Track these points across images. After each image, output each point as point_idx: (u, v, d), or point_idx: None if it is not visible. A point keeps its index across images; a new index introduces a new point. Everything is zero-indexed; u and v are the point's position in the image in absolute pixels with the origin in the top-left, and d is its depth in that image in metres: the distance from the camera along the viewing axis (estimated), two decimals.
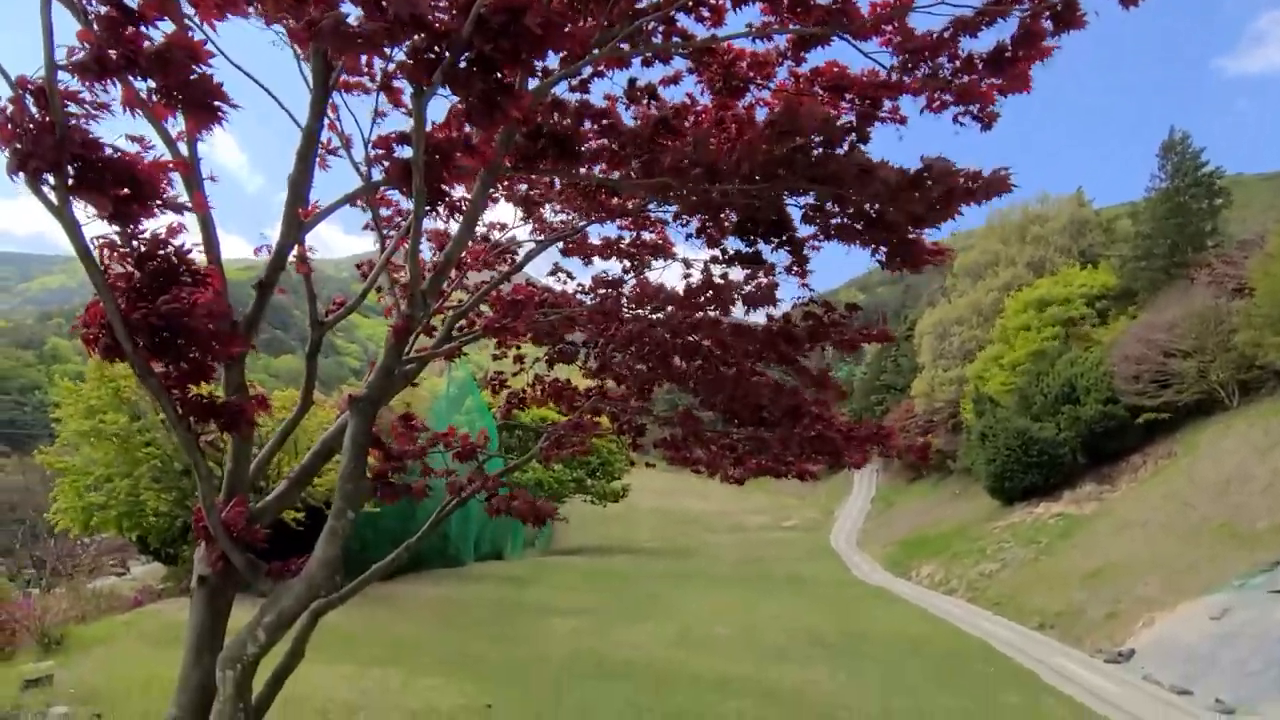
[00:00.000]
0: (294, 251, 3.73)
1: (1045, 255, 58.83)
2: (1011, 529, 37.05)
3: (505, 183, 4.56)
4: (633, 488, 56.65)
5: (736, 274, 4.13)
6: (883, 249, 3.53)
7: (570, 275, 5.27)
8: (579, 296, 4.70)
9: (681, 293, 4.03)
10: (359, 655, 11.68)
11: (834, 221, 3.57)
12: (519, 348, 5.22)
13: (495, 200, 4.86)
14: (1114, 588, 23.03)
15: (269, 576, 3.39)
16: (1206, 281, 37.87)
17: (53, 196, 2.26)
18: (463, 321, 4.74)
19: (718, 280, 3.98)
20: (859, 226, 3.44)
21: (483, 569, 31.80)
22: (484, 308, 4.72)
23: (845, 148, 3.31)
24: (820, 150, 3.08)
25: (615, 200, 4.50)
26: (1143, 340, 39.15)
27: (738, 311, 4.33)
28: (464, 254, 4.91)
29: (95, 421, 16.83)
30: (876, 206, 3.27)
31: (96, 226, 2.50)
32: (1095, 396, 39.42)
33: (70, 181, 2.24)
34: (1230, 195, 47.33)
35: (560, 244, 4.74)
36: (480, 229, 4.78)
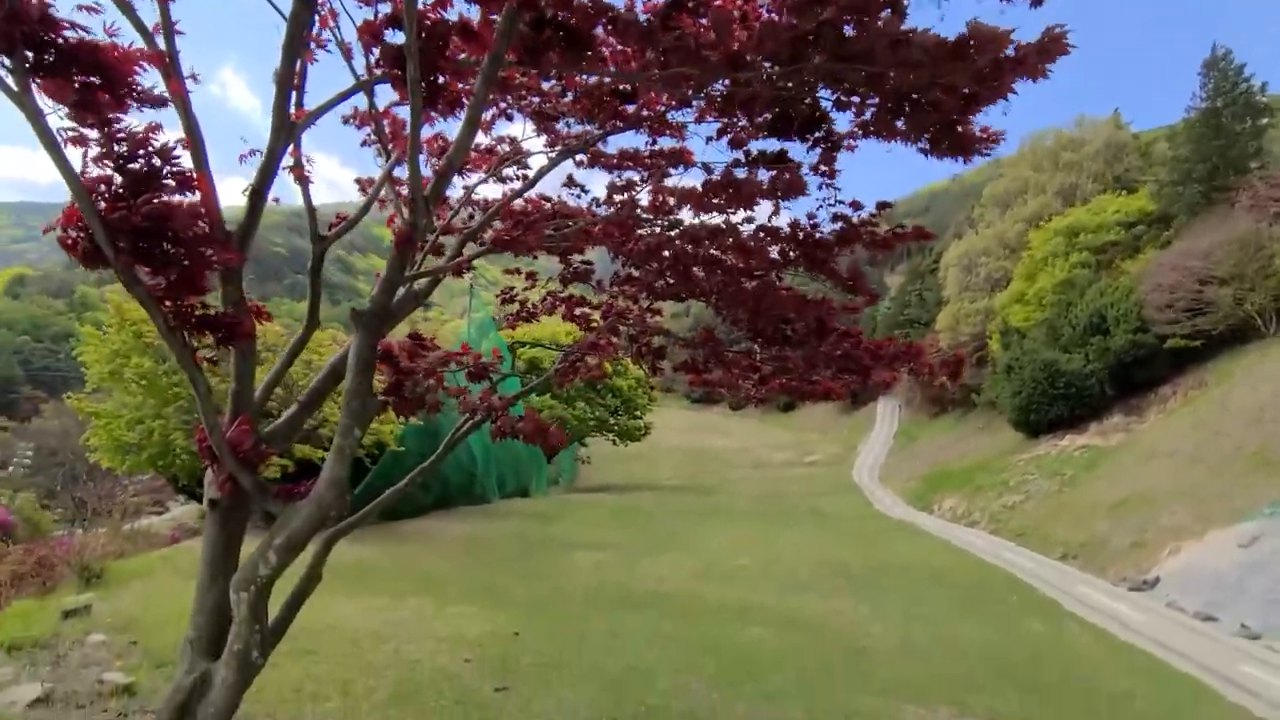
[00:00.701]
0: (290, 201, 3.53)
1: (1077, 182, 56.86)
2: (1036, 461, 36.89)
3: (514, 93, 4.29)
4: (655, 426, 57.06)
5: (762, 176, 3.87)
6: (925, 136, 3.24)
7: (584, 189, 5.02)
8: (595, 210, 4.46)
9: (700, 188, 3.78)
10: (390, 588, 11.93)
11: (870, 110, 3.27)
12: (534, 258, 4.99)
13: (508, 117, 4.60)
14: (1140, 517, 22.91)
15: (277, 499, 3.31)
16: (1248, 206, 36.40)
17: (11, 82, 2.08)
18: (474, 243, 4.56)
19: (739, 175, 3.72)
20: (899, 108, 3.15)
21: (508, 506, 32.31)
22: (497, 224, 4.52)
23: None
24: (851, 28, 2.80)
25: (630, 108, 4.23)
26: (1177, 268, 38.03)
27: (761, 217, 4.11)
28: (476, 169, 4.69)
29: (119, 365, 17.01)
30: (916, 88, 2.99)
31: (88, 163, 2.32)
32: (1125, 327, 38.60)
33: (28, 66, 2.06)
34: (1275, 115, 45.07)
35: (575, 158, 4.47)
36: (488, 140, 4.53)
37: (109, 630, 7.44)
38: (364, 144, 3.86)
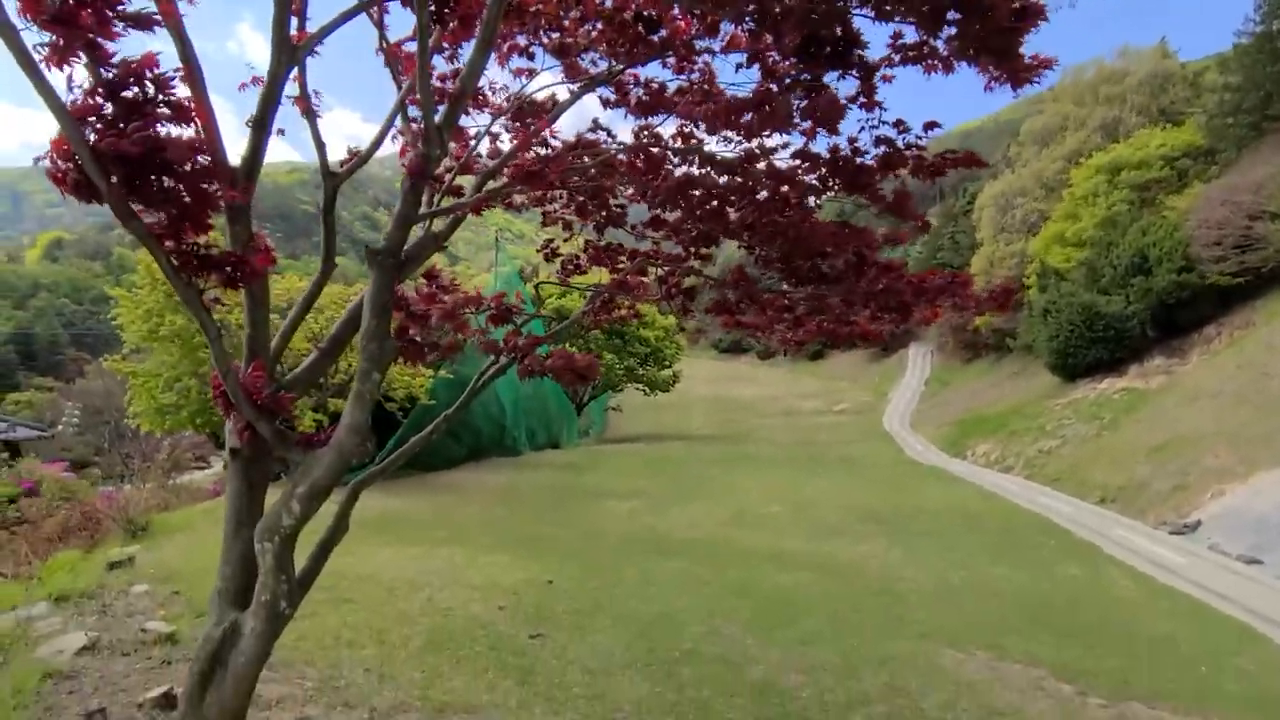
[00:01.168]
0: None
1: (1120, 116, 54.42)
2: (1073, 405, 36.23)
3: (531, 22, 4.03)
4: (684, 376, 57.01)
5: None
6: (972, 53, 2.96)
7: (610, 133, 4.77)
8: (621, 155, 4.20)
9: (729, 106, 3.50)
10: (425, 537, 12.10)
11: (911, 23, 2.98)
12: (560, 198, 4.74)
13: (529, 54, 4.34)
14: (1181, 460, 22.44)
15: (298, 447, 3.22)
16: None
17: None
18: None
19: (771, 88, 3.44)
20: (941, 17, 2.86)
21: (539, 458, 32.66)
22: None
23: None
24: None
25: (656, 37, 3.96)
26: (1226, 203, 36.46)
27: (796, 145, 3.83)
28: (496, 113, 4.46)
29: (154, 324, 17.22)
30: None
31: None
32: (1168, 266, 37.32)
33: None
34: None
35: (600, 98, 4.20)
36: (506, 75, 4.30)
37: (152, 581, 7.62)
38: (377, 48, 3.60)
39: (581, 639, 6.94)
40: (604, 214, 4.98)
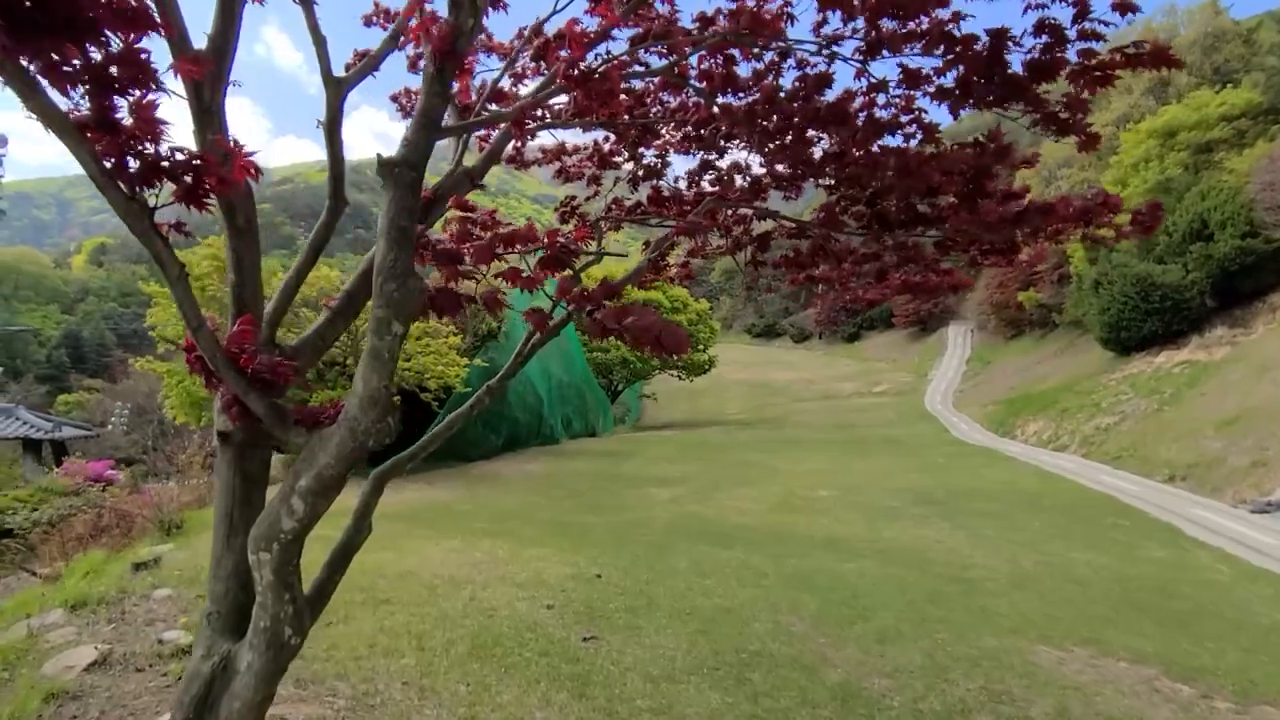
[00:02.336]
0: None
1: (1170, 77, 51.96)
2: (1130, 380, 34.68)
3: None
4: (718, 361, 56.25)
5: None
6: None
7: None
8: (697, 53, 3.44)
9: None
10: (466, 529, 11.59)
11: None
12: (598, 143, 4.05)
13: None
14: (1256, 434, 21.10)
15: (300, 425, 2.60)
16: None
17: None
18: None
19: None
20: None
21: (578, 446, 32.21)
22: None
23: None
24: None
25: None
26: None
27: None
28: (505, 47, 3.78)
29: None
30: None
31: None
32: (1231, 231, 35.48)
33: None
34: None
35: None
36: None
37: (178, 583, 7.17)
38: None
39: (638, 640, 6.31)
40: (644, 167, 4.23)
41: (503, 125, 3.21)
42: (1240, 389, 25.90)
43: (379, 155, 2.30)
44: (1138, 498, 18.81)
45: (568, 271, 2.75)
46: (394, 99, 4.84)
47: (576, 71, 2.64)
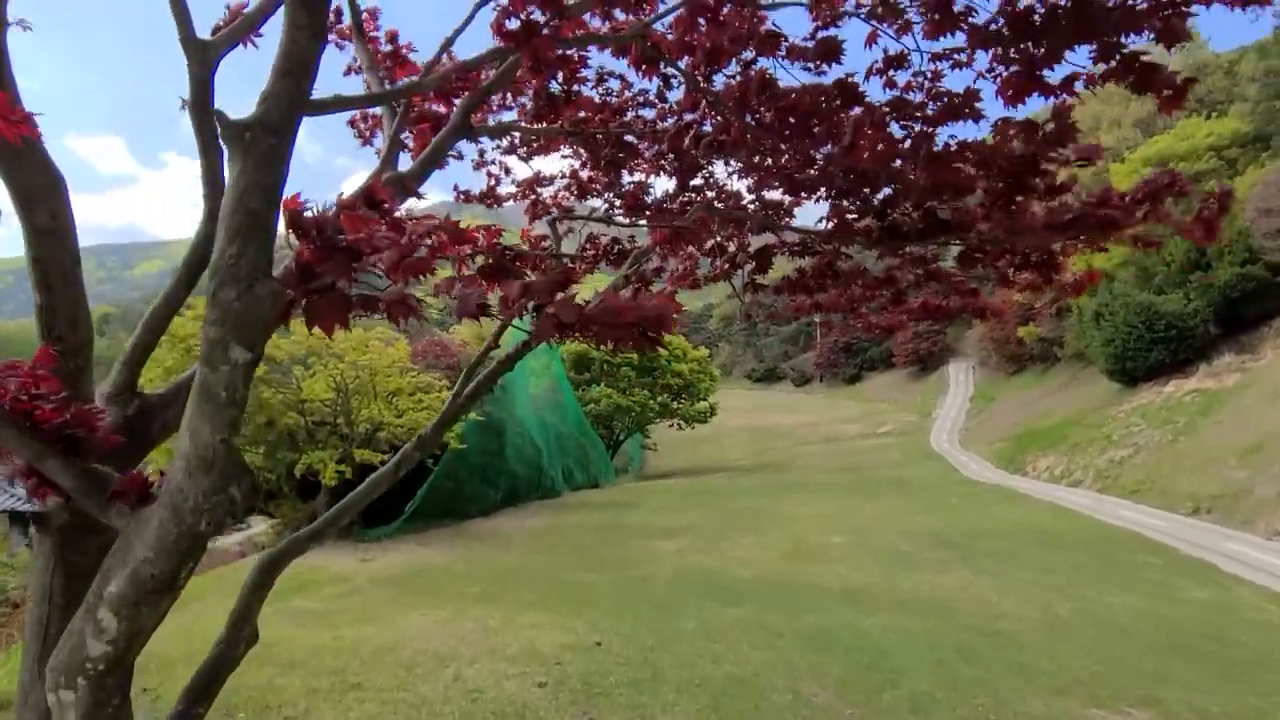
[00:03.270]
0: None
1: (1155, 109, 52.42)
2: (1140, 411, 33.96)
3: None
4: (719, 408, 55.46)
5: None
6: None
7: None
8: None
9: None
10: (460, 593, 10.85)
11: None
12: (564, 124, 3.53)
13: None
14: None
15: (122, 500, 1.92)
16: None
17: None
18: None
19: None
20: None
21: (579, 498, 31.37)
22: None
23: None
24: None
25: None
26: None
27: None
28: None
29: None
30: None
31: None
32: (1230, 259, 35.29)
33: None
34: None
35: None
36: None
37: None
38: None
39: None
40: (616, 143, 3.68)
41: (450, 120, 2.70)
42: (1257, 415, 25.25)
43: (220, 116, 1.71)
44: (1164, 533, 18.00)
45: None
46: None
47: (516, 26, 2.13)
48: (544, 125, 2.98)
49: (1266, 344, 34.07)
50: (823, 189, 3.06)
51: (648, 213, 3.56)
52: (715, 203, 3.46)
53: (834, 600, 10.94)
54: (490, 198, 4.50)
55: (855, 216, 3.23)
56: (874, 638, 8.55)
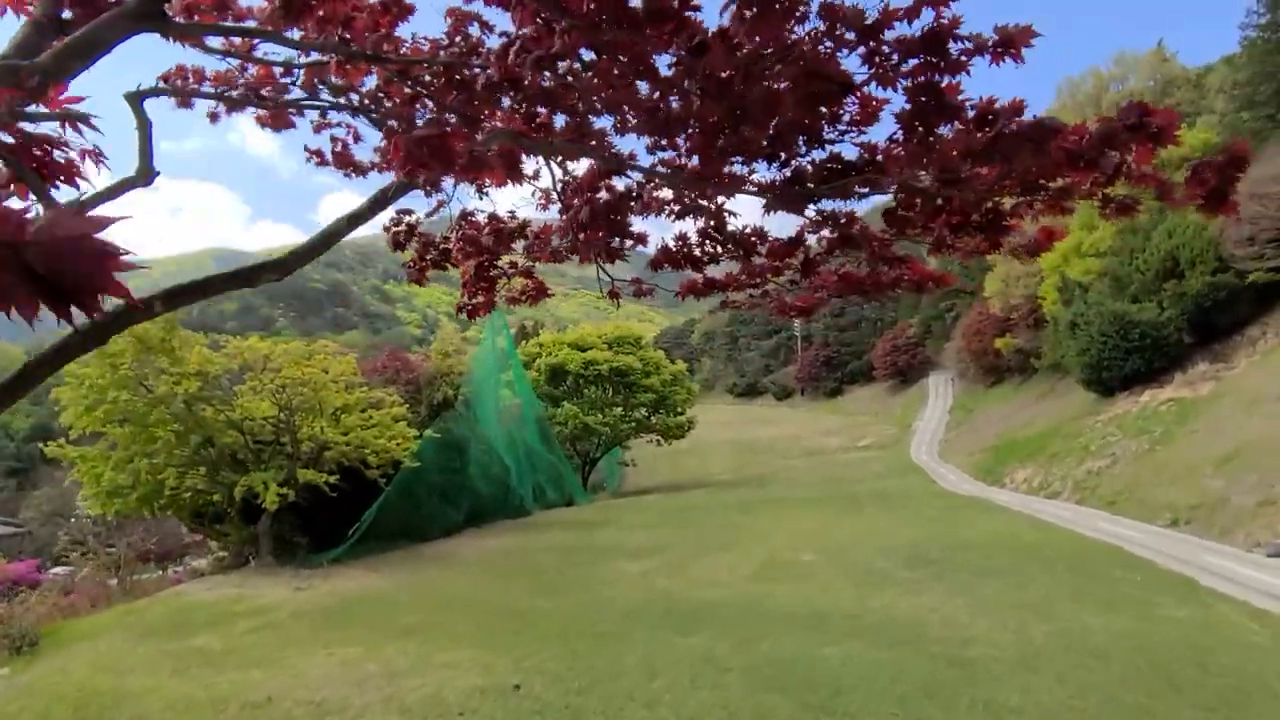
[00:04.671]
0: None
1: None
2: (1117, 421, 33.64)
3: None
4: (700, 422, 54.77)
5: None
6: None
7: None
8: None
9: None
10: (383, 627, 9.98)
11: None
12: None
13: None
14: (1260, 471, 19.94)
15: None
16: None
17: None
18: None
19: None
20: None
21: (549, 517, 30.47)
22: None
23: None
24: None
25: None
26: (1255, 197, 34.48)
27: None
28: None
29: (94, 402, 15.37)
30: None
31: None
32: (1202, 268, 35.25)
33: None
34: None
35: None
36: None
37: None
38: None
39: None
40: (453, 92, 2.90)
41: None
42: (1233, 424, 24.92)
43: None
44: (1143, 545, 17.45)
45: None
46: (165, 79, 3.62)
47: None
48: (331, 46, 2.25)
49: (1240, 352, 34.00)
50: (684, 123, 2.37)
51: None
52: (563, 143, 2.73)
53: (796, 625, 10.19)
54: (348, 165, 3.75)
55: (741, 161, 2.52)
56: (832, 670, 7.80)
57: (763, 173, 2.62)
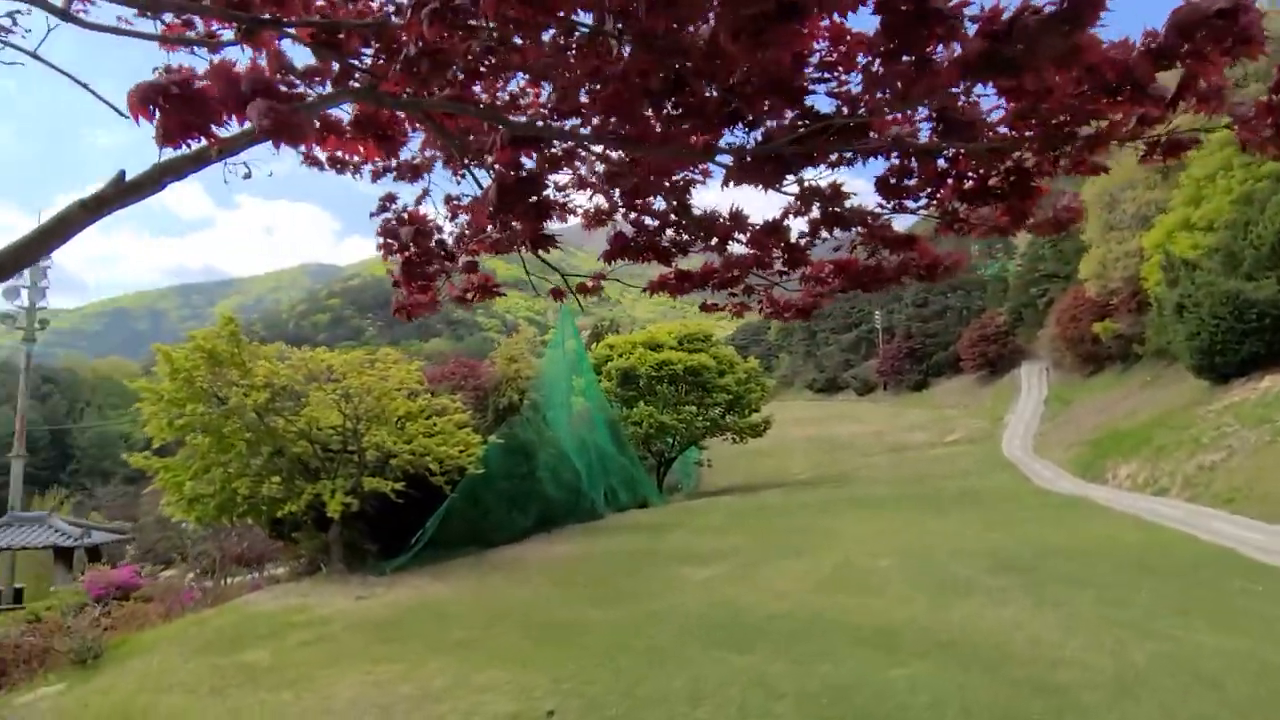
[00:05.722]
0: None
1: (1239, 78, 48.66)
2: (1233, 410, 30.84)
3: None
4: (778, 420, 53.61)
5: None
6: None
7: None
8: None
9: None
10: (431, 643, 9.80)
11: None
12: None
13: None
14: None
15: None
16: None
17: None
18: None
19: None
20: None
21: (621, 520, 30.25)
22: None
23: None
24: None
25: None
26: None
27: None
28: None
29: (173, 414, 16.01)
30: None
31: None
32: None
33: None
34: None
35: None
36: None
37: None
38: None
39: None
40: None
41: None
42: None
43: None
44: (1265, 550, 15.72)
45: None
46: None
47: None
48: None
49: None
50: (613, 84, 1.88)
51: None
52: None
53: (862, 642, 9.46)
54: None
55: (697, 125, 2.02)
56: (897, 698, 7.10)
57: (730, 140, 2.11)
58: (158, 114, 1.88)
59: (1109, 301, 54.78)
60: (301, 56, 2.94)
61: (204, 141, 1.99)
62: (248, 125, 1.93)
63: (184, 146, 1.97)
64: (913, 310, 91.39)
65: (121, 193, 1.90)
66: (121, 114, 2.12)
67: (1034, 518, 23.72)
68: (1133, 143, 2.08)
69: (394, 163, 3.20)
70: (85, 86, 2.26)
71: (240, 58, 2.96)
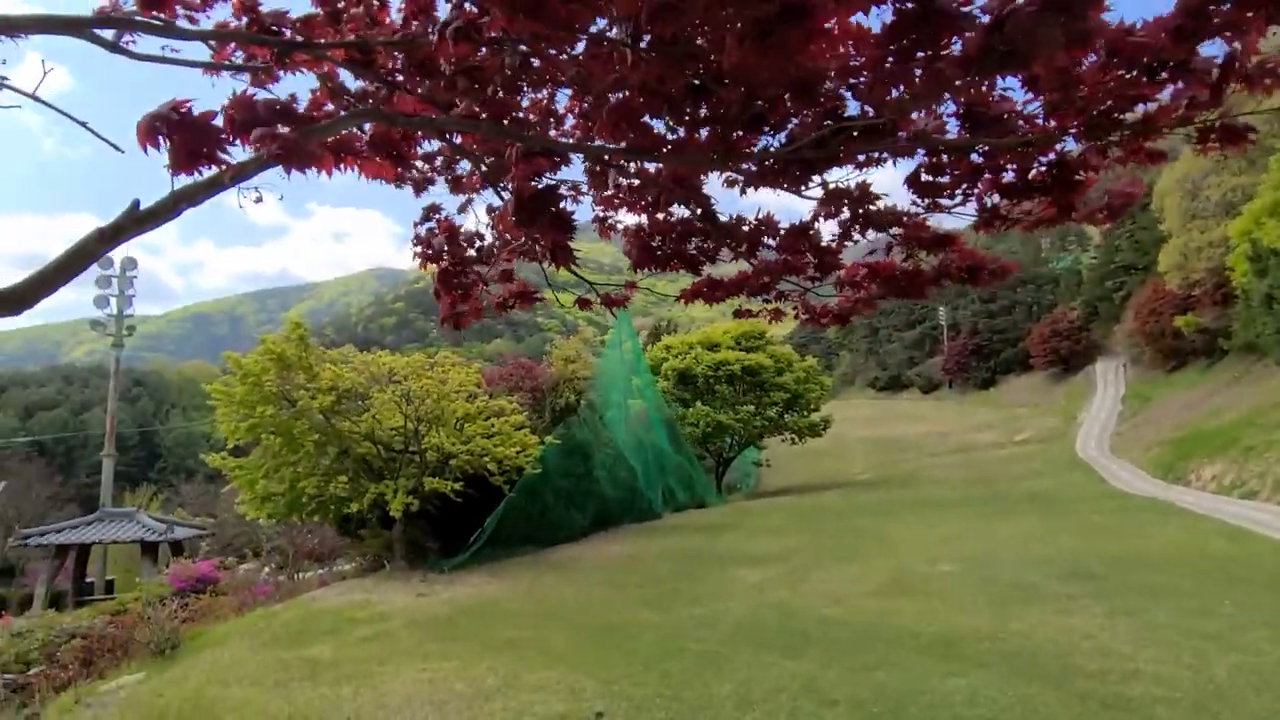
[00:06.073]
0: None
1: None
2: None
3: None
4: (838, 419, 52.77)
5: None
6: None
7: None
8: None
9: None
10: (485, 641, 9.97)
11: None
12: None
13: None
14: None
15: None
16: None
17: None
18: None
19: None
20: None
21: (678, 520, 30.21)
22: None
23: None
24: None
25: None
26: None
27: None
28: None
29: (244, 415, 16.73)
30: None
31: None
32: None
33: None
34: None
35: None
36: None
37: None
38: None
39: None
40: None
41: None
42: None
43: None
44: None
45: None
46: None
47: None
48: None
49: None
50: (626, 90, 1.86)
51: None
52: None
53: (920, 650, 9.21)
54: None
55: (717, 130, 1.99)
56: (955, 708, 6.88)
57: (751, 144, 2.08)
58: (165, 142, 1.97)
59: (1191, 294, 52.10)
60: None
61: (215, 168, 2.08)
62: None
63: (196, 173, 2.06)
64: (979, 306, 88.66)
65: (137, 221, 2.00)
66: (119, 149, 2.26)
67: (1108, 521, 22.68)
68: (1184, 128, 1.95)
69: (444, 176, 3.24)
70: (84, 125, 2.38)
71: (296, 82, 3.05)
